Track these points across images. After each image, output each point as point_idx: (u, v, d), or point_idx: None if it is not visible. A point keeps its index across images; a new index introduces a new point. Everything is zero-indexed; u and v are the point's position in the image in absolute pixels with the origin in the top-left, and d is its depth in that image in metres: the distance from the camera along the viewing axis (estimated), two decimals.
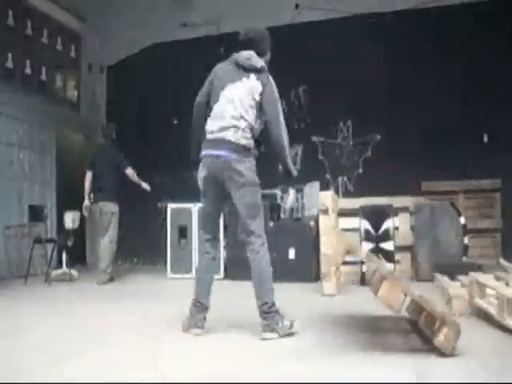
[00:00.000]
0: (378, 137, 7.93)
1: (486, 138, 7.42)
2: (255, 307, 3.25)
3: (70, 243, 6.86)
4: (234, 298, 4.91)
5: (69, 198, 8.08)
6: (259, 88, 3.28)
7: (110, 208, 6.49)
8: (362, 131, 7.99)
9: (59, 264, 7.12)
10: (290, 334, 3.20)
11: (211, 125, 3.33)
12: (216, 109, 3.33)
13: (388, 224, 5.73)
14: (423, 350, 2.69)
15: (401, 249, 6.01)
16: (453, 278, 4.77)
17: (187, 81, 8.81)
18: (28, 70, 7.88)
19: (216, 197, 3.40)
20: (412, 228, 6.15)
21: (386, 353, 2.73)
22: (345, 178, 8.20)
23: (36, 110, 7.90)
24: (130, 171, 6.66)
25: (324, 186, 7.65)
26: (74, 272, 6.87)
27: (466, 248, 5.90)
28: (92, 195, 6.62)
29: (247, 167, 3.26)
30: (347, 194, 7.94)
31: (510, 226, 6.74)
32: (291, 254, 6.07)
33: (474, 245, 6.48)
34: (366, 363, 2.57)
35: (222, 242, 6.43)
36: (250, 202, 3.28)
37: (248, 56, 3.36)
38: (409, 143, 7.49)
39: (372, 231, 5.72)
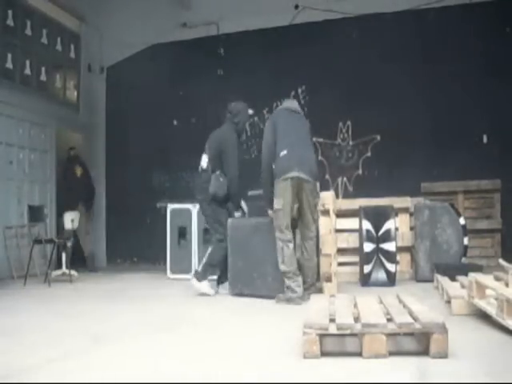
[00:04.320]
0: (378, 137, 7.92)
1: (485, 138, 7.42)
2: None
3: (69, 244, 6.86)
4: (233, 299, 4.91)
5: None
6: None
7: None
8: (362, 132, 7.98)
9: (59, 264, 7.12)
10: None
11: None
12: None
13: (389, 225, 5.71)
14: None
15: (400, 249, 6.00)
16: (452, 278, 4.77)
17: (187, 81, 8.84)
18: (27, 71, 7.86)
19: None
20: (412, 229, 6.15)
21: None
22: (344, 179, 8.19)
23: (36, 110, 7.89)
24: None
25: (324, 187, 7.66)
26: (73, 272, 6.87)
27: (465, 248, 5.89)
28: None
29: None
30: (347, 194, 7.94)
31: (510, 226, 6.75)
32: None
33: (474, 245, 6.49)
34: (365, 363, 2.57)
35: None
36: None
37: None
38: (408, 144, 7.50)
39: (373, 232, 5.71)
